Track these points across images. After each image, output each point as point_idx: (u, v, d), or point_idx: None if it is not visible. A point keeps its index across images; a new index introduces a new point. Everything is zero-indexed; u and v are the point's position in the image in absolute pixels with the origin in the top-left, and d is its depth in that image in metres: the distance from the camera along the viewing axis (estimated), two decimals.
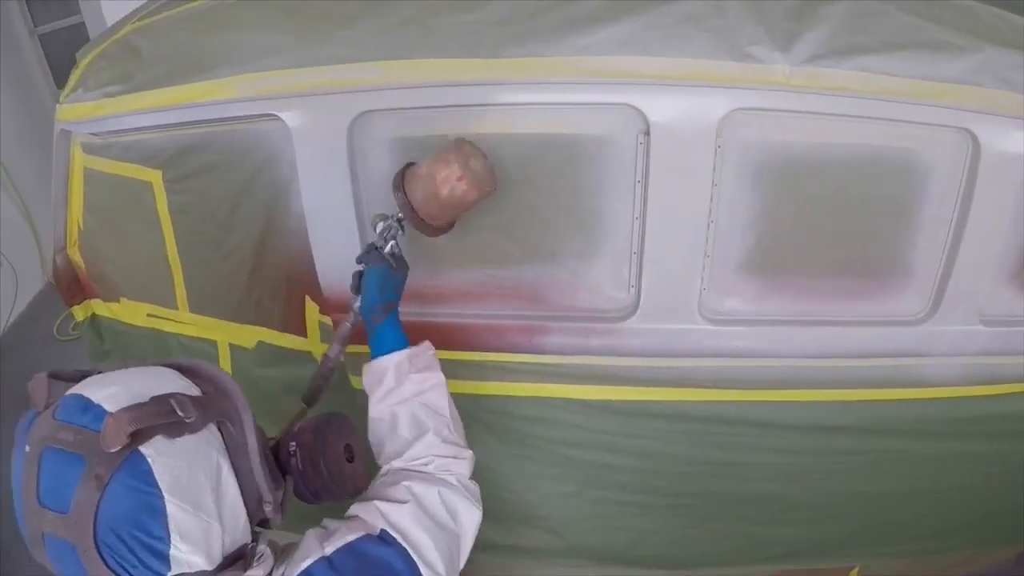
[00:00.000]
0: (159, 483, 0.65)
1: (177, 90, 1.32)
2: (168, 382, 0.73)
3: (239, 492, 0.73)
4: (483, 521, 1.52)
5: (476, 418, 1.37)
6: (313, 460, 0.88)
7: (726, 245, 1.14)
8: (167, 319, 1.67)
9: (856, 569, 1.62)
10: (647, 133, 1.07)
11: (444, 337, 1.27)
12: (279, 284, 1.45)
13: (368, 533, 0.80)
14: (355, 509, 0.86)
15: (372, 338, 1.04)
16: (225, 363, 1.65)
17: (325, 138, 1.18)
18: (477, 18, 1.09)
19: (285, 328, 1.51)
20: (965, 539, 1.56)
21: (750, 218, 1.13)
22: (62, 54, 3.74)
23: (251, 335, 1.56)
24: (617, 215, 1.14)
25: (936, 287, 1.19)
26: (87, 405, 0.67)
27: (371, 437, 1.00)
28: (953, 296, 1.19)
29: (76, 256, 1.74)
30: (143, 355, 1.77)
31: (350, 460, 0.92)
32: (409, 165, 1.09)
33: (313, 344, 1.49)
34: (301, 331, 1.48)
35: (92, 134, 1.51)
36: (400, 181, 1.07)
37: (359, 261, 1.09)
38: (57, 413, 0.68)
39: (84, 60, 1.57)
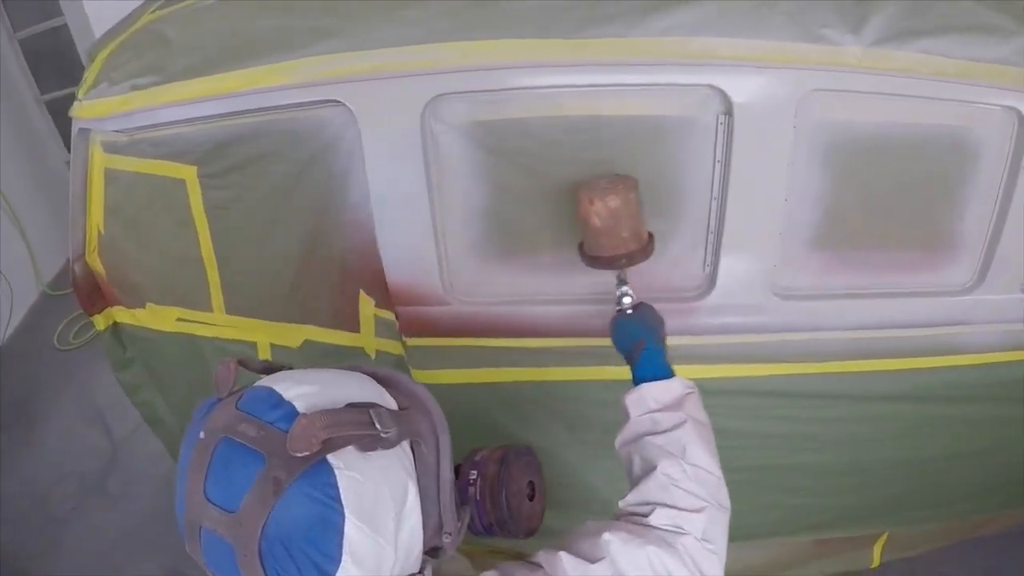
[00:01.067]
0: (342, 498, 0.59)
1: (221, 79, 1.25)
2: (367, 390, 0.68)
3: (421, 519, 0.67)
4: (547, 509, 1.55)
5: (543, 405, 1.37)
6: (494, 493, 0.82)
7: (796, 221, 1.18)
8: (200, 322, 1.60)
9: (886, 535, 1.70)
10: (728, 113, 1.09)
11: (520, 323, 1.27)
12: (329, 279, 1.41)
13: None
14: (541, 556, 0.74)
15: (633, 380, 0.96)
16: None
17: (395, 124, 1.15)
18: (550, 2, 1.09)
19: (335, 324, 1.46)
20: (991, 501, 1.65)
21: (818, 195, 1.17)
22: (44, 58, 3.60)
23: (296, 334, 1.51)
24: (695, 195, 1.16)
25: (983, 258, 1.26)
26: (278, 401, 0.62)
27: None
28: (998, 267, 1.25)
29: (96, 263, 1.64)
30: (171, 362, 1.70)
31: (531, 498, 0.86)
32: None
33: (366, 339, 1.45)
34: (353, 326, 1.45)
35: (117, 131, 1.43)
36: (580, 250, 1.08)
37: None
38: (242, 403, 0.63)
39: (101, 54, 1.49)
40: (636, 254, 1.03)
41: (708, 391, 1.28)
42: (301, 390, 0.63)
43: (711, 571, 0.76)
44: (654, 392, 0.90)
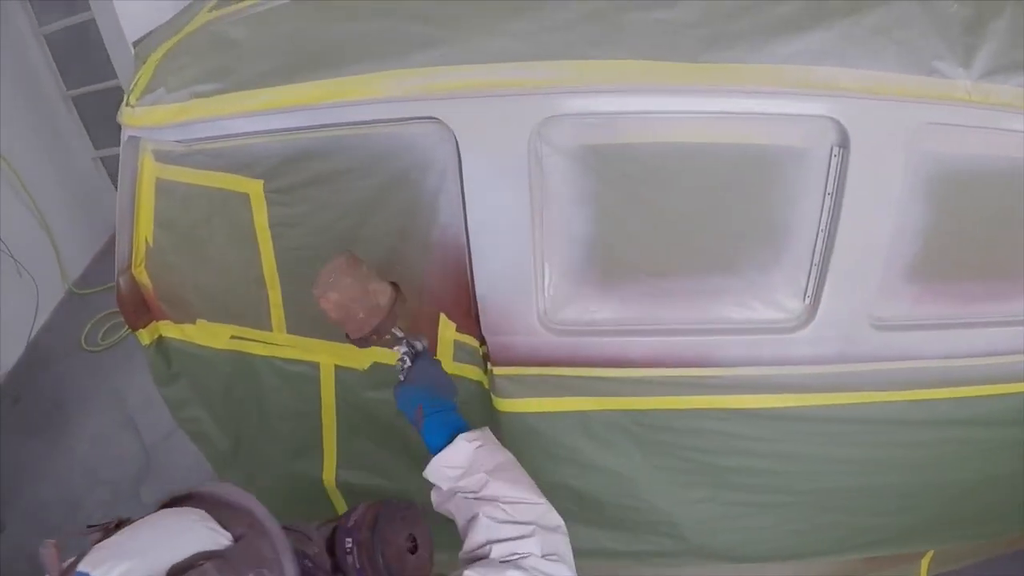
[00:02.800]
0: None
1: (299, 89, 1.16)
2: (190, 538, 0.66)
3: None
4: (607, 531, 1.53)
5: (628, 431, 1.35)
6: (372, 558, 0.83)
7: (897, 253, 1.17)
8: (257, 341, 1.53)
9: (931, 552, 1.72)
10: (843, 146, 1.07)
11: (611, 353, 1.25)
12: (408, 302, 1.35)
13: None
14: None
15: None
16: (328, 386, 1.54)
17: (501, 145, 1.10)
18: (669, 17, 1.04)
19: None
20: None
21: (920, 227, 1.17)
22: (70, 53, 3.46)
23: (365, 355, 1.46)
24: (801, 226, 1.15)
25: None
26: None
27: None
28: None
29: (142, 276, 1.56)
30: (220, 379, 1.63)
31: (413, 551, 0.87)
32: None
33: (444, 364, 1.40)
34: (431, 351, 1.40)
35: (175, 141, 1.35)
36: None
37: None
38: None
39: (154, 55, 1.39)
40: (382, 325, 1.03)
41: (794, 418, 1.30)
42: (120, 570, 0.61)
43: (557, 573, 0.85)
44: (447, 461, 0.93)
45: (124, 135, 1.40)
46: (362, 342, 1.06)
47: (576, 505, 1.46)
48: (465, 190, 1.14)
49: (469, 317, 1.31)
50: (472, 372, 1.38)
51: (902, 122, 1.06)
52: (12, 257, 3.08)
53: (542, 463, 1.39)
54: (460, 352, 1.36)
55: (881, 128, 1.07)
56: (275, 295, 1.46)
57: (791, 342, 1.21)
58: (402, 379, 1.05)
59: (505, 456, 0.96)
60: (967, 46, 1.07)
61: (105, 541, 0.67)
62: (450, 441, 0.94)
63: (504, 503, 0.89)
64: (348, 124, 1.19)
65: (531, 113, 1.07)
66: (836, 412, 1.27)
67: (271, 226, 1.37)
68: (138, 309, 1.61)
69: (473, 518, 0.88)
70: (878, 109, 1.05)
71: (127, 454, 2.63)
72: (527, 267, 1.18)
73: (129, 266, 1.55)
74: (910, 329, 1.23)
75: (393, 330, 1.06)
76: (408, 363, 1.07)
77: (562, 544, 0.89)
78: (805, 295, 1.19)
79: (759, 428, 1.30)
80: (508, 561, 0.83)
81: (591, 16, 1.05)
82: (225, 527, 0.69)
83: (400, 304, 1.07)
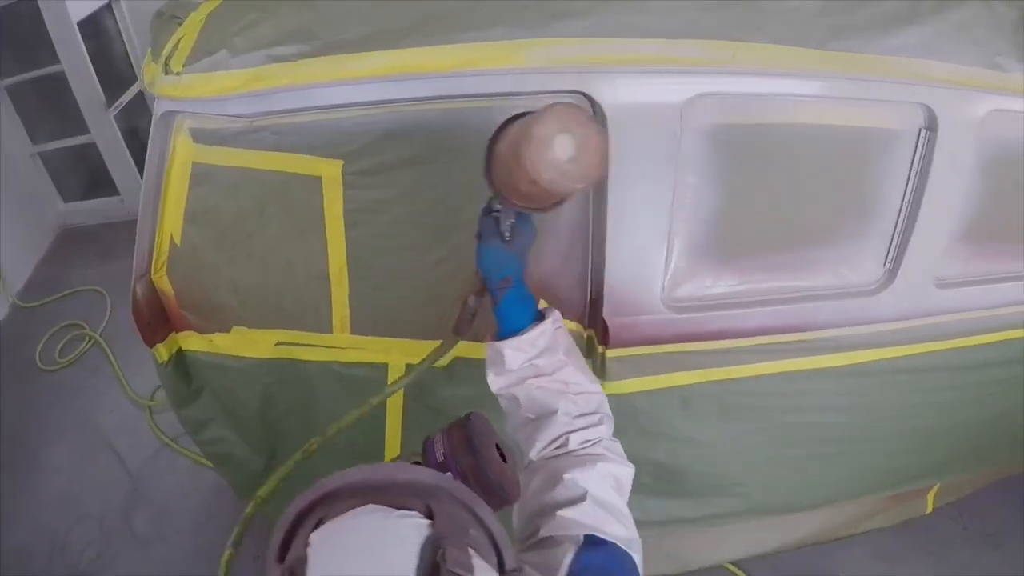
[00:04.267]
0: None
1: (425, 53, 1.02)
2: (405, 536, 0.54)
3: None
4: (679, 500, 1.59)
5: (717, 399, 1.39)
6: (481, 481, 0.72)
7: (958, 219, 1.32)
8: (312, 346, 1.36)
9: (937, 486, 1.93)
10: (931, 129, 1.19)
11: (724, 326, 1.29)
12: None
13: (575, 547, 0.73)
14: (545, 531, 0.77)
15: (496, 316, 0.95)
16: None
17: (650, 121, 1.07)
18: (798, 6, 1.08)
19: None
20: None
21: (975, 196, 1.31)
22: (3, 37, 2.94)
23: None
24: (889, 199, 1.26)
25: None
26: None
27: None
28: None
29: (163, 282, 1.32)
30: (258, 392, 1.40)
31: (503, 460, 0.78)
32: (511, 121, 0.84)
33: None
34: None
35: (232, 116, 1.13)
36: (489, 154, 0.86)
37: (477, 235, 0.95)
38: None
39: (196, 14, 1.15)
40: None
41: (868, 373, 1.39)
42: None
43: (623, 451, 0.92)
44: (532, 339, 0.92)
45: (158, 111, 1.15)
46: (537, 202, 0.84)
47: (652, 478, 1.49)
48: (613, 171, 1.10)
49: (574, 302, 1.27)
50: None
51: (976, 109, 1.20)
52: None
53: (635, 439, 1.39)
54: None
55: (961, 114, 1.20)
56: (340, 292, 1.30)
57: (872, 304, 1.33)
58: (507, 237, 0.92)
59: (571, 339, 0.97)
60: (1017, 44, 1.23)
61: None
62: (530, 318, 0.93)
63: (574, 394, 0.92)
64: (468, 96, 1.08)
65: (681, 90, 1.06)
66: (902, 363, 1.40)
67: (347, 213, 1.21)
68: (154, 322, 1.35)
69: (551, 414, 0.90)
70: (959, 97, 1.18)
71: (109, 482, 2.27)
72: (659, 247, 1.18)
73: (148, 271, 1.29)
74: (963, 285, 1.38)
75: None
76: (512, 219, 0.92)
77: (612, 428, 0.94)
78: (886, 261, 1.32)
79: (835, 384, 1.41)
80: (589, 453, 0.87)
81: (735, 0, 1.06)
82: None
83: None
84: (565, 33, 1.02)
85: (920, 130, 1.20)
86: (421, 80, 1.06)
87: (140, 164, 3.48)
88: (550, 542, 0.76)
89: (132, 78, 3.62)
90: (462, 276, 1.25)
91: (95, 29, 3.31)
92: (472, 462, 0.72)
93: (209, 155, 1.20)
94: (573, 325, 1.30)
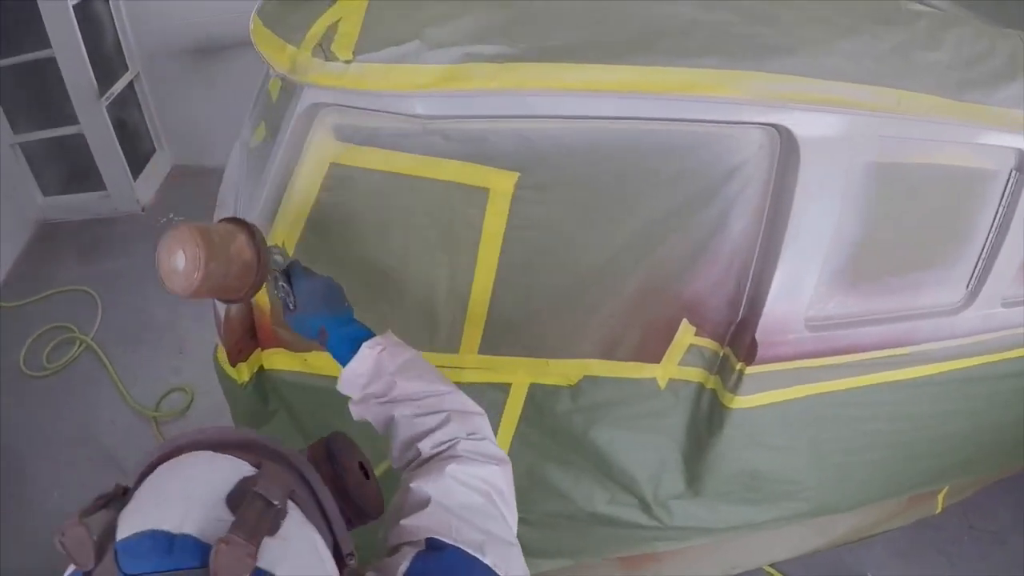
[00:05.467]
0: None
1: (638, 72, 0.98)
2: (225, 469, 0.56)
3: (333, 561, 0.61)
4: (754, 506, 1.65)
5: (814, 410, 1.46)
6: (339, 489, 0.73)
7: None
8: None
9: (947, 487, 2.08)
10: (1020, 170, 1.34)
11: (849, 342, 1.35)
12: (650, 307, 1.25)
13: (414, 553, 0.69)
14: (391, 540, 0.75)
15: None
16: (515, 407, 1.34)
17: (837, 159, 1.12)
18: (938, 59, 1.18)
19: (632, 356, 1.30)
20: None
21: None
22: None
23: (575, 369, 1.31)
24: (978, 228, 1.39)
25: None
26: (168, 541, 0.50)
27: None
28: None
29: (261, 295, 1.11)
30: (349, 416, 1.23)
31: (367, 477, 0.79)
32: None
33: (663, 370, 1.34)
34: (654, 357, 1.31)
35: (410, 116, 0.98)
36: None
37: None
38: (127, 565, 0.50)
39: None
40: (259, 278, 0.93)
41: (941, 382, 1.51)
42: (175, 512, 0.51)
43: (489, 450, 0.85)
44: (354, 371, 0.92)
45: (304, 102, 0.97)
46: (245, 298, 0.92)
47: (744, 487, 1.55)
48: (796, 198, 1.12)
49: (719, 323, 1.28)
50: (695, 375, 1.36)
51: None
52: None
53: (740, 451, 1.44)
54: (690, 356, 1.32)
55: None
56: (478, 311, 1.20)
57: (955, 321, 1.47)
58: (292, 308, 0.97)
59: (408, 354, 0.94)
60: None
61: (132, 504, 0.54)
62: (355, 348, 0.91)
63: (415, 399, 0.88)
64: (662, 120, 1.06)
65: (866, 131, 1.12)
66: (965, 373, 1.56)
67: (509, 228, 1.12)
68: (243, 339, 1.15)
69: (389, 421, 0.89)
70: None
71: None
72: (816, 271, 1.21)
73: None
74: (1019, 304, 1.56)
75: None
76: (288, 288, 0.97)
77: (481, 424, 0.88)
78: (968, 283, 1.46)
79: (908, 393, 1.53)
80: (440, 454, 0.82)
81: (896, 50, 1.14)
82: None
83: (260, 239, 0.92)
84: (776, 69, 1.04)
85: (1011, 171, 1.34)
86: (627, 98, 1.01)
87: (128, 157, 3.30)
88: (394, 551, 0.71)
89: (122, 68, 3.33)
90: (629, 290, 1.22)
91: (85, 15, 3.01)
92: (330, 470, 0.73)
93: (353, 156, 1.04)
94: (711, 343, 1.31)
